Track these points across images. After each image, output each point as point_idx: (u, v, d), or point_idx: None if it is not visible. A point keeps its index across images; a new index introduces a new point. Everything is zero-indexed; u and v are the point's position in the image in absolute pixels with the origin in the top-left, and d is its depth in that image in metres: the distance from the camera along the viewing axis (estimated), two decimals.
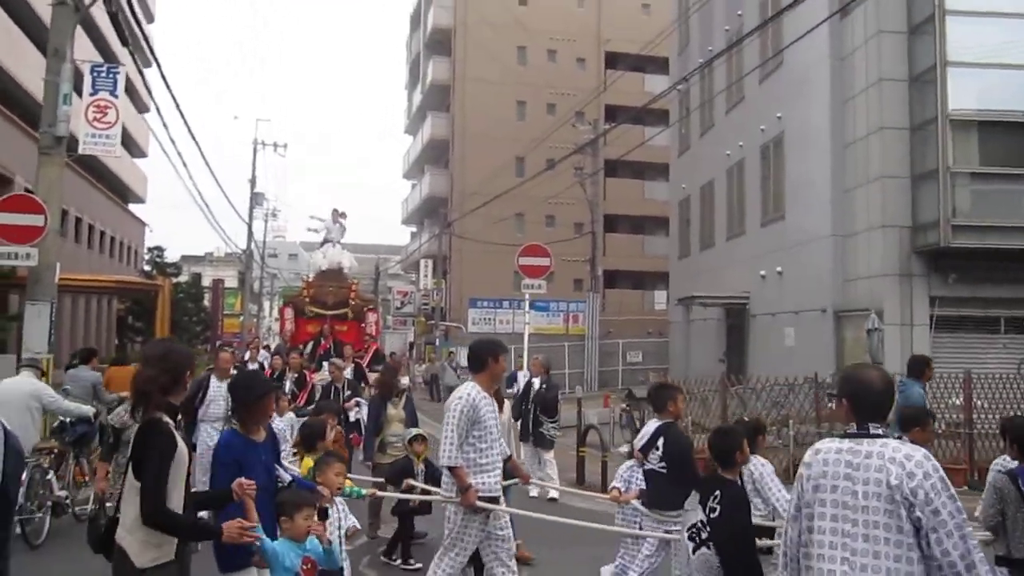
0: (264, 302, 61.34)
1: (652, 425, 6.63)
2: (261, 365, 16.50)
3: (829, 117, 18.85)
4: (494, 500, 5.73)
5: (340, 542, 5.09)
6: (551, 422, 11.80)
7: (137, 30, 15.50)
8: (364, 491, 6.36)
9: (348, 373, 13.14)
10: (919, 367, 9.52)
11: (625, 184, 43.69)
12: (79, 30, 18.74)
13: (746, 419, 8.78)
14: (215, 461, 4.67)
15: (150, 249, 44.48)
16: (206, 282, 50.55)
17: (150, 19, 43.94)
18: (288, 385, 12.10)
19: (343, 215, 23.52)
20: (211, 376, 9.50)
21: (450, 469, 5.60)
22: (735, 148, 23.87)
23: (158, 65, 16.00)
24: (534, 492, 11.35)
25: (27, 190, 17.43)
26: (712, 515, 4.54)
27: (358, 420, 11.31)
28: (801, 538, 3.41)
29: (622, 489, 6.58)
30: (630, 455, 7.60)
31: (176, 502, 3.66)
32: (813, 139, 19.54)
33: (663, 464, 6.28)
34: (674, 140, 31.01)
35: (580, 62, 44.82)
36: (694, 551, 4.54)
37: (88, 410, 9.38)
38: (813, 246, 19.34)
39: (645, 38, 25.37)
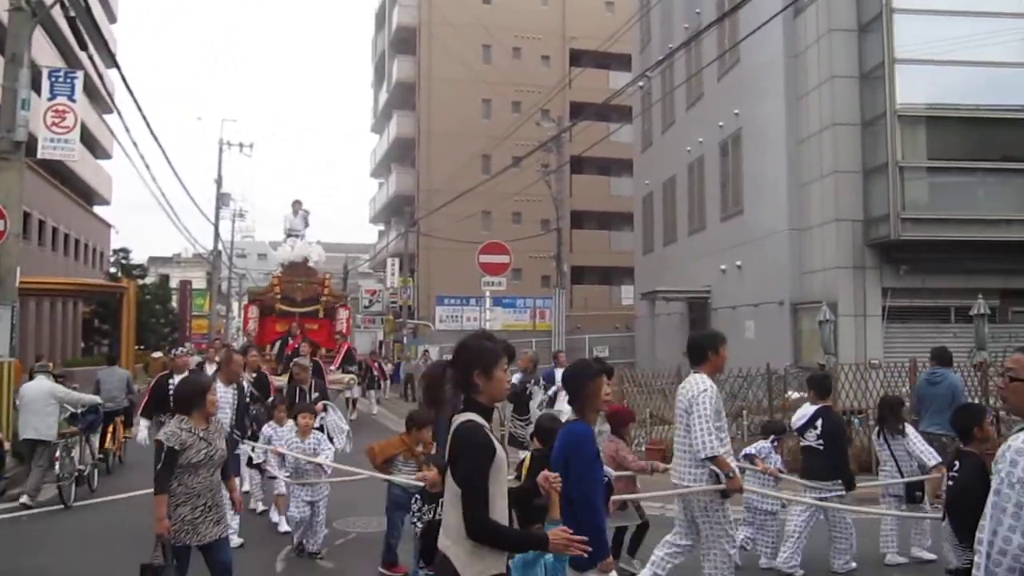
0: (233, 303, 61.05)
1: (810, 409, 7.81)
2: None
3: (784, 113, 19.25)
4: None
5: None
6: (520, 419, 11.43)
7: (98, 33, 15.54)
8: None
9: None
10: (949, 356, 10.00)
11: (591, 180, 44.05)
12: (41, 32, 18.73)
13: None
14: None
15: (116, 251, 44.23)
16: (174, 283, 50.34)
17: (112, 19, 43.64)
18: (246, 387, 9.81)
19: (303, 208, 22.51)
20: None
21: (712, 459, 5.71)
22: (695, 144, 24.23)
23: (118, 68, 16.04)
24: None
25: None
26: (950, 483, 5.12)
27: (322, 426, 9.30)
28: None
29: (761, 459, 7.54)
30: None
31: (500, 511, 3.36)
32: (769, 135, 19.93)
33: (820, 442, 7.49)
34: (637, 137, 31.37)
35: (545, 59, 45.10)
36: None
37: (95, 399, 11.44)
38: (771, 240, 19.72)
39: (609, 36, 25.62)
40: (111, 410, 12.39)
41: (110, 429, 12.47)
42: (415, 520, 6.26)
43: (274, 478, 8.81)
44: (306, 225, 22.23)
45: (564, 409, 9.76)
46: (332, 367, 18.50)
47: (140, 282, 38.35)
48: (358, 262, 58.23)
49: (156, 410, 10.49)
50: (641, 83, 25.60)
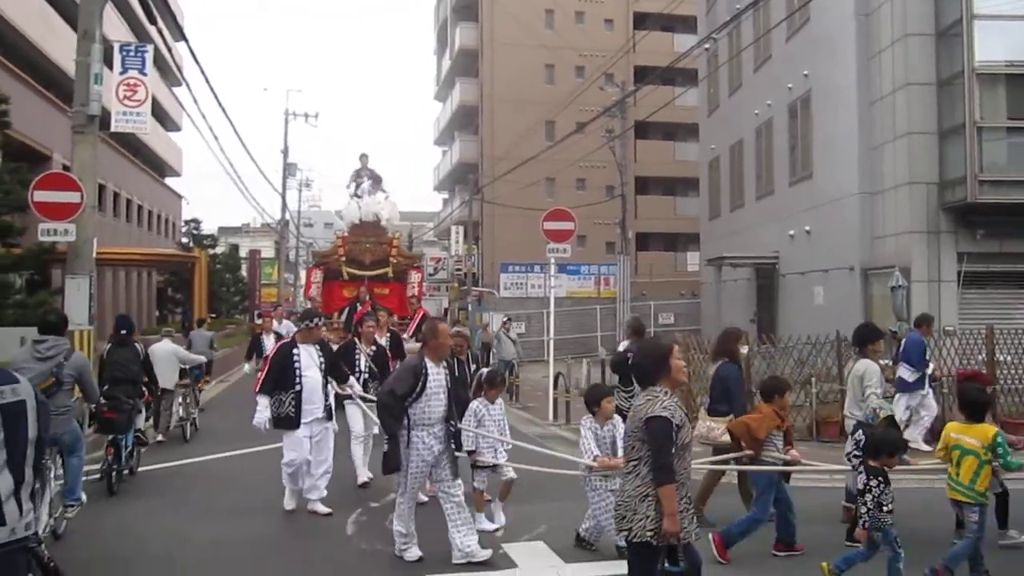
0: (300, 271, 62.06)
1: None
2: (279, 336, 14.72)
3: (855, 74, 18.71)
4: None
5: None
6: (625, 391, 10.18)
7: (166, 7, 15.79)
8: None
9: (383, 341, 11.23)
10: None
11: (656, 145, 43.50)
12: (111, 8, 19.10)
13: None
14: None
15: (187, 222, 45.16)
16: (243, 253, 51.31)
17: None
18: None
19: (367, 167, 20.90)
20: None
21: None
22: (763, 107, 23.75)
23: (186, 41, 16.27)
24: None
25: (64, 167, 17.91)
26: None
27: None
28: None
29: None
30: None
31: None
32: (840, 96, 19.41)
33: None
34: (703, 100, 30.87)
35: (608, 23, 44.47)
36: None
37: (201, 358, 14.42)
38: (841, 204, 19.29)
39: None
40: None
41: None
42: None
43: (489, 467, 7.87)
44: (377, 184, 20.70)
45: None
46: (406, 335, 16.50)
47: (211, 252, 39.16)
48: (423, 230, 58.59)
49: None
50: (707, 45, 25.10)
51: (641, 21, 41.10)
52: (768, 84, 23.60)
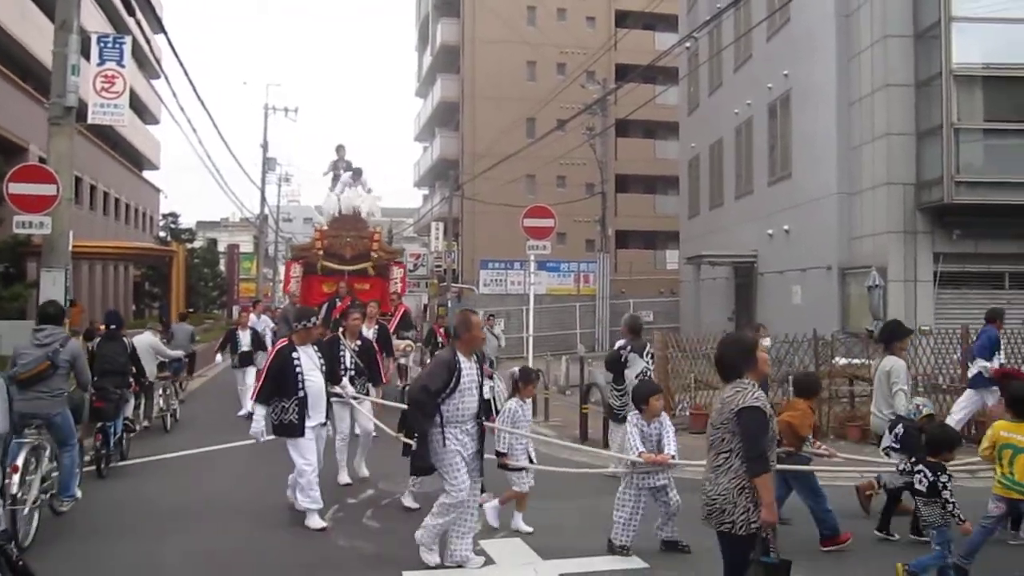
0: (279, 266, 61.78)
1: None
2: (254, 331, 15.53)
3: (835, 74, 18.84)
4: None
5: None
6: (617, 389, 9.73)
7: None
8: None
9: (369, 334, 11.48)
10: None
11: (636, 143, 43.61)
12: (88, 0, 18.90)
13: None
14: None
15: (165, 215, 44.88)
16: (221, 247, 50.99)
17: None
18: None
19: (347, 164, 20.03)
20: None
21: None
22: (743, 106, 23.86)
23: (165, 33, 16.14)
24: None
25: (41, 159, 17.71)
26: None
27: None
28: None
29: None
30: None
31: None
32: (819, 97, 19.54)
33: None
34: (683, 99, 30.98)
35: (590, 20, 44.49)
36: None
37: (179, 353, 14.35)
38: (819, 204, 19.41)
39: None
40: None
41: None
42: None
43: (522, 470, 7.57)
44: (356, 176, 19.66)
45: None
46: None
47: (189, 246, 38.91)
48: (403, 226, 58.45)
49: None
50: (688, 44, 25.16)
51: (623, 19, 41.16)
52: (748, 83, 23.71)
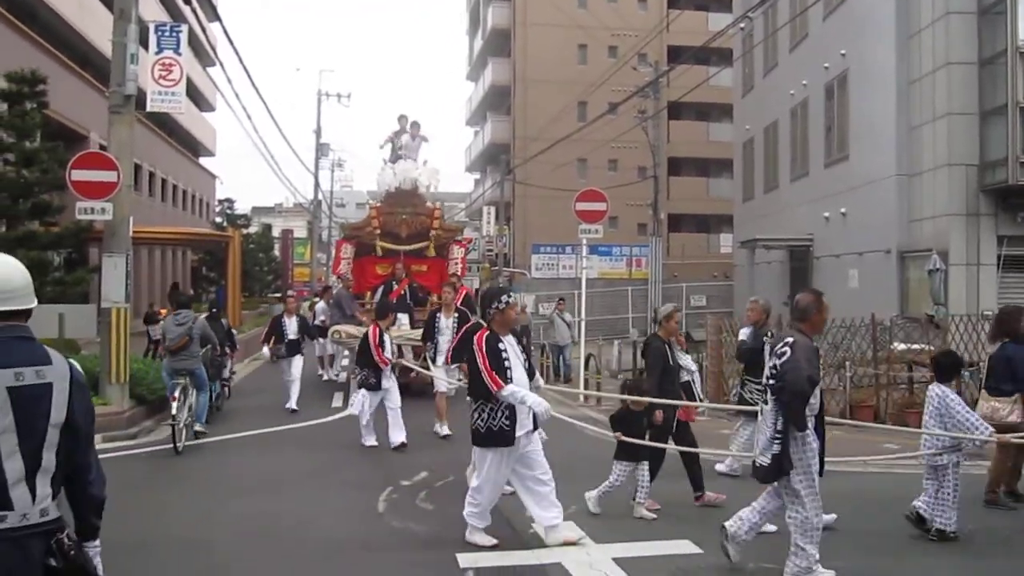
0: (332, 251, 62.45)
1: None
2: (301, 319, 14.76)
3: (894, 53, 18.40)
4: None
5: None
6: (755, 382, 8.51)
7: None
8: None
9: (448, 323, 11.62)
10: None
11: (689, 126, 43.17)
12: None
13: None
14: None
15: (221, 201, 45.55)
16: (276, 232, 51.62)
17: None
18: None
19: (416, 124, 18.09)
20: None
21: None
22: (799, 87, 23.44)
23: (220, 21, 16.37)
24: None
25: (101, 147, 18.09)
26: None
27: None
28: None
29: None
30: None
31: None
32: (877, 76, 19.11)
33: None
34: (738, 80, 30.53)
35: (642, 3, 44.05)
36: None
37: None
38: (877, 186, 19.02)
39: None
40: None
41: None
42: None
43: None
44: (419, 148, 18.02)
45: None
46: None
47: (244, 231, 39.47)
48: (454, 211, 58.63)
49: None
50: (742, 24, 24.80)
51: (675, 0, 40.68)
52: (804, 64, 23.28)
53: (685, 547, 6.48)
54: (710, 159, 42.62)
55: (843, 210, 20.57)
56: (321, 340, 17.17)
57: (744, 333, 9.33)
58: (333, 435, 11.94)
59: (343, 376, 16.73)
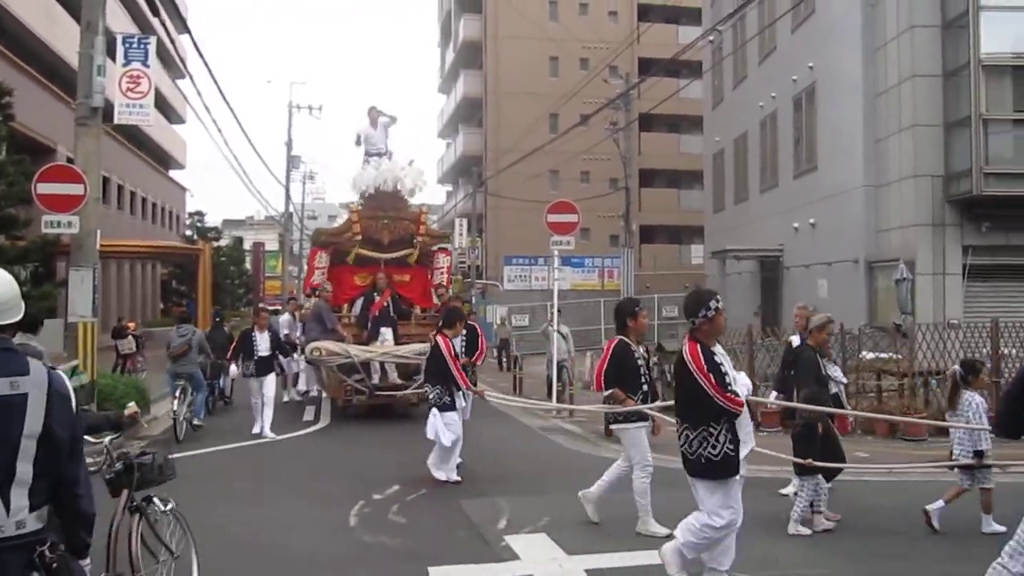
0: (304, 264, 62.18)
1: None
2: (274, 332, 13.47)
3: (861, 66, 18.65)
4: None
5: None
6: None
7: None
8: None
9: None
10: None
11: (660, 138, 43.47)
12: (113, 1, 19.05)
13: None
14: None
15: (191, 214, 45.25)
16: (247, 245, 51.31)
17: None
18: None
19: (383, 115, 15.95)
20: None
21: None
22: (767, 99, 23.68)
23: (189, 33, 16.26)
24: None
25: (68, 159, 17.89)
26: None
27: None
28: None
29: None
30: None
31: None
32: (845, 88, 19.36)
33: None
34: (707, 92, 30.80)
35: (612, 15, 44.38)
36: None
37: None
38: (845, 197, 19.24)
39: None
40: None
41: None
42: None
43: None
44: (386, 140, 15.99)
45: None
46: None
47: (215, 244, 39.19)
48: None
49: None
50: (711, 37, 25.01)
51: (645, 13, 41.07)
52: (773, 76, 23.53)
53: (657, 558, 6.48)
54: (681, 171, 42.91)
55: (812, 220, 20.78)
56: (295, 356, 15.64)
57: (796, 341, 8.82)
58: (304, 449, 11.86)
59: (315, 391, 16.59)
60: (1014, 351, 13.16)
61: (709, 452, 5.19)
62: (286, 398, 16.41)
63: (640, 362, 7.11)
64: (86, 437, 4.47)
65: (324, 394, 15.72)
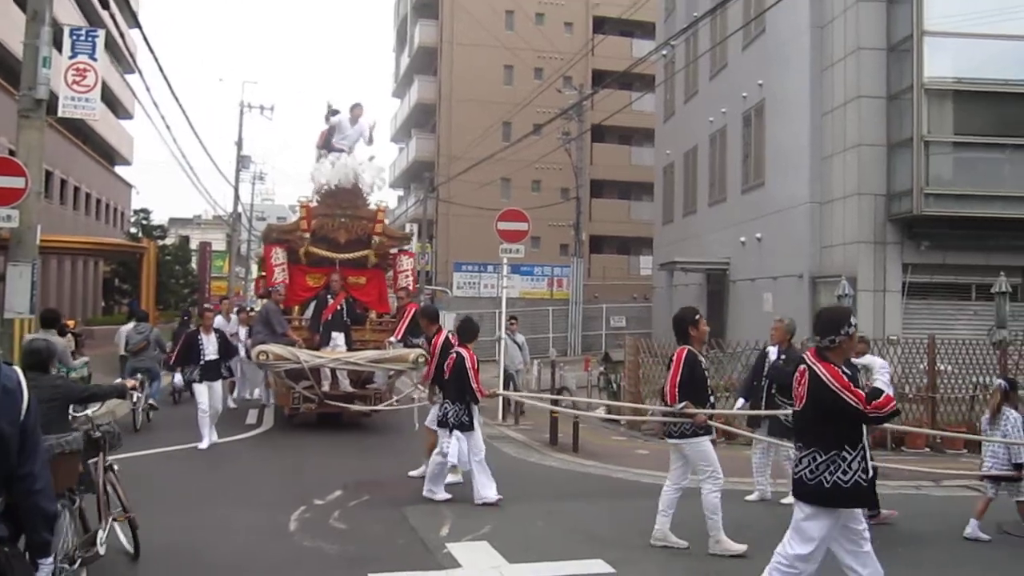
0: (252, 265, 61.40)
1: None
2: (221, 334, 12.75)
3: (808, 85, 19.00)
4: None
5: None
6: (788, 402, 8.07)
7: None
8: None
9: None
10: None
11: (612, 149, 43.81)
12: None
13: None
14: None
15: (136, 211, 44.40)
16: (193, 245, 50.50)
17: None
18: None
19: (358, 106, 15.51)
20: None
21: None
22: (718, 115, 24.01)
23: (140, 27, 16.02)
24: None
25: (10, 151, 17.48)
26: None
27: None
28: None
29: None
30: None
31: None
32: (793, 107, 19.70)
33: None
34: (659, 106, 31.13)
35: (568, 26, 44.64)
36: None
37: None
38: (791, 213, 19.56)
39: (633, 3, 25.33)
40: None
41: None
42: None
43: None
44: (369, 143, 15.50)
45: None
46: (393, 338, 13.51)
47: (160, 243, 38.53)
48: None
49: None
50: (664, 52, 25.33)
51: (600, 25, 41.34)
52: (723, 92, 23.86)
53: (598, 567, 6.53)
54: (632, 182, 43.28)
55: (758, 235, 21.09)
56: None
57: (773, 353, 9.34)
58: (246, 452, 11.71)
59: (258, 394, 16.41)
60: (949, 367, 13.51)
61: (839, 477, 4.96)
62: (233, 405, 15.75)
63: (707, 372, 7.21)
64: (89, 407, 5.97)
65: (270, 400, 15.51)
